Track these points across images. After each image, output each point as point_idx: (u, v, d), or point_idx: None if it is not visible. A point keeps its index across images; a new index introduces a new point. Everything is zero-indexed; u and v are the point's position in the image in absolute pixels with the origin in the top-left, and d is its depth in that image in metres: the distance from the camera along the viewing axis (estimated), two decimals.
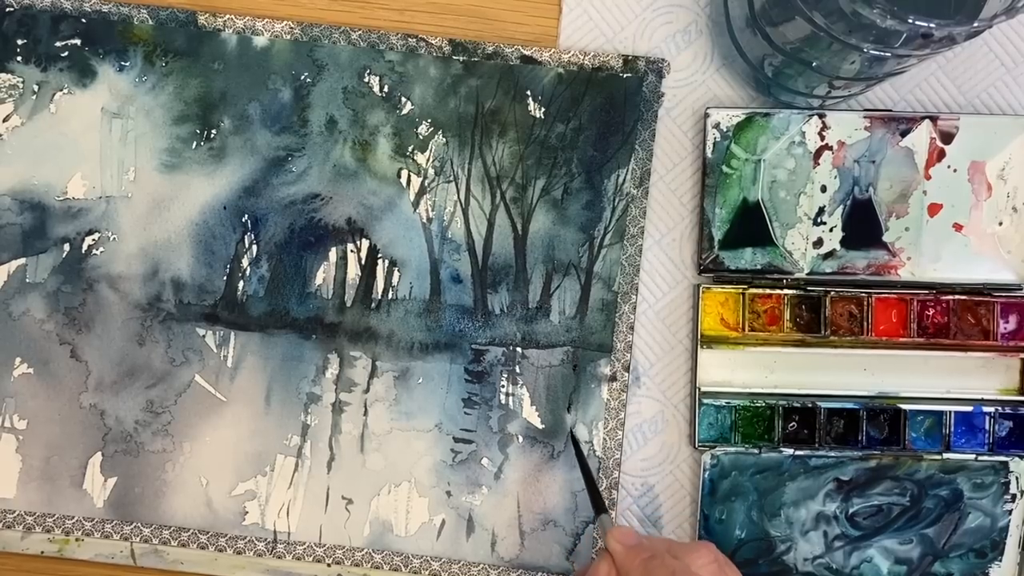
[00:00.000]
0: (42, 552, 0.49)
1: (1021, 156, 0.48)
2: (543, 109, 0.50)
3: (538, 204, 0.50)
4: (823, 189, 0.49)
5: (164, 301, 0.49)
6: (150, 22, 0.50)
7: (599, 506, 0.45)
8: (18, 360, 0.49)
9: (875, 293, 0.49)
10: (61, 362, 0.49)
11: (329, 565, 0.49)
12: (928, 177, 0.49)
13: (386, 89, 0.50)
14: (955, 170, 0.49)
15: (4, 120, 0.49)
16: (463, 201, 0.50)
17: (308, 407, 0.49)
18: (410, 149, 0.50)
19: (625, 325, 0.49)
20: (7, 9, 0.49)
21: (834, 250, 0.49)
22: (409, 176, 0.50)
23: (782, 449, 0.49)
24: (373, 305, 0.49)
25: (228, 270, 0.49)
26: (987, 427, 0.49)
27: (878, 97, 0.50)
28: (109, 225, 0.49)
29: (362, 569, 0.49)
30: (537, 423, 0.49)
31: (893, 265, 0.49)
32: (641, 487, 0.50)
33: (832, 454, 0.49)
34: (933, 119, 0.49)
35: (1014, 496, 0.49)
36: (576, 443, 0.48)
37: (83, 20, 0.50)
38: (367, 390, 0.49)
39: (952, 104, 0.50)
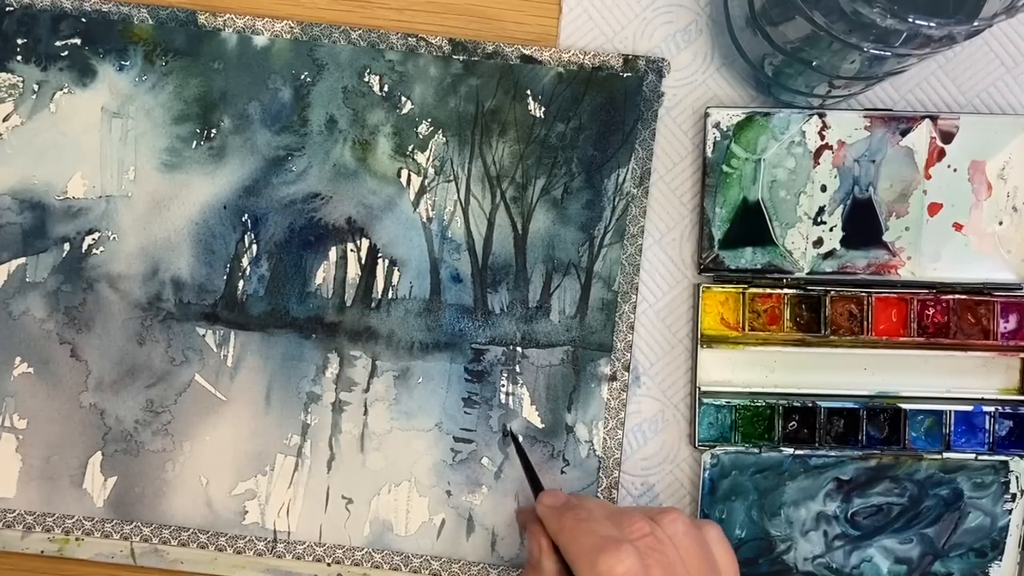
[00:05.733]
0: (42, 552, 0.49)
1: (1021, 156, 0.48)
2: (543, 109, 0.50)
3: (538, 203, 0.50)
4: (823, 188, 0.49)
5: (164, 300, 0.49)
6: (150, 21, 0.50)
7: (537, 487, 0.44)
8: (18, 360, 0.49)
9: (875, 293, 0.49)
10: (61, 362, 0.49)
11: (329, 564, 0.49)
12: (928, 177, 0.49)
13: (386, 89, 0.50)
14: (955, 170, 0.49)
15: (4, 119, 0.49)
16: (463, 200, 0.50)
17: (308, 407, 0.49)
18: (410, 148, 0.50)
19: (625, 324, 0.49)
20: (7, 8, 0.49)
21: (834, 249, 0.49)
22: (409, 176, 0.50)
23: (782, 449, 0.49)
24: (373, 305, 0.49)
25: (228, 269, 0.49)
26: (987, 427, 0.49)
27: (878, 97, 0.50)
28: (109, 224, 0.49)
29: (362, 568, 0.49)
30: (537, 423, 0.49)
31: (893, 265, 0.49)
32: (641, 487, 0.50)
33: (832, 454, 0.49)
34: (933, 119, 0.49)
35: (1014, 496, 0.49)
36: (515, 438, 0.48)
37: (83, 19, 0.50)
38: (367, 390, 0.49)
39: (952, 104, 0.50)
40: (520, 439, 0.48)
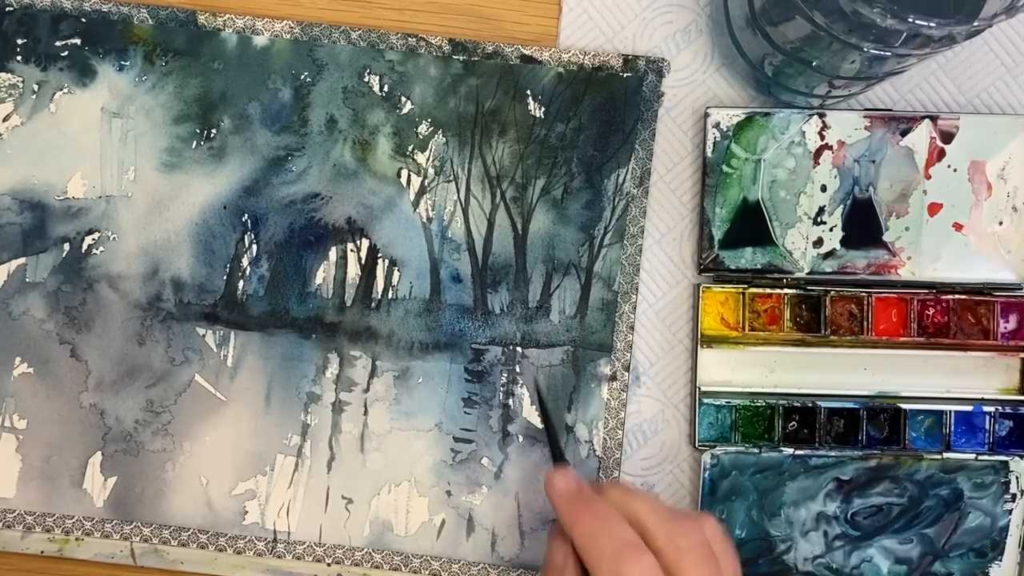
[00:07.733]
0: (42, 552, 0.49)
1: (1021, 156, 0.48)
2: (543, 109, 0.50)
3: (538, 204, 0.50)
4: (823, 189, 0.49)
5: (164, 301, 0.49)
6: (150, 22, 0.50)
7: (558, 456, 0.42)
8: (18, 360, 0.49)
9: (875, 293, 0.49)
10: (61, 362, 0.49)
11: (329, 565, 0.49)
12: (928, 177, 0.49)
13: (386, 89, 0.50)
14: (955, 170, 0.49)
15: (4, 120, 0.49)
16: (463, 201, 0.50)
17: (308, 407, 0.49)
18: (410, 149, 0.50)
19: (625, 325, 0.49)
20: (7, 9, 0.49)
21: (834, 250, 0.49)
22: (409, 176, 0.50)
23: (782, 449, 0.49)
24: (373, 305, 0.49)
25: (228, 269, 0.49)
26: (987, 427, 0.49)
27: (878, 97, 0.50)
28: (109, 225, 0.49)
29: (362, 569, 0.49)
30: (537, 423, 0.49)
31: (893, 265, 0.49)
32: (641, 487, 0.50)
33: (832, 454, 0.49)
34: (933, 119, 0.49)
35: (1014, 496, 0.49)
36: (543, 402, 0.47)
37: (83, 20, 0.50)
38: (367, 390, 0.49)
39: (952, 104, 0.50)
40: (546, 402, 0.47)
